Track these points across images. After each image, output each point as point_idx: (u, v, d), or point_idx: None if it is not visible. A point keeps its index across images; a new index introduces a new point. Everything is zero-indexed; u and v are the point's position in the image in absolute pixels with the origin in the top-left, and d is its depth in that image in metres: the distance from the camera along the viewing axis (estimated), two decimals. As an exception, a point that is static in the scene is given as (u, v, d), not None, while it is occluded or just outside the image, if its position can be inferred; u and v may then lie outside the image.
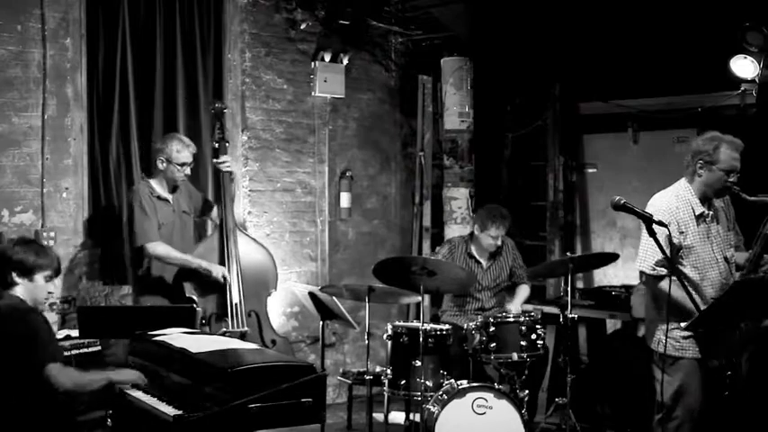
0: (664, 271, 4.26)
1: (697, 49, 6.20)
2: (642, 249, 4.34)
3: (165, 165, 5.33)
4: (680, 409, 4.33)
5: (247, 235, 5.72)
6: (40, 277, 3.93)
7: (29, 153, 5.54)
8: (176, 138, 5.42)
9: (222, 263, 5.37)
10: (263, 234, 6.65)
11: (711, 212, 4.42)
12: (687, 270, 4.34)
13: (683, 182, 4.44)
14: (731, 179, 4.33)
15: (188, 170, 5.40)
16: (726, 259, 4.43)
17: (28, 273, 3.90)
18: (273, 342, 5.45)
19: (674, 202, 4.37)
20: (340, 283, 6.35)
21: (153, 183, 5.37)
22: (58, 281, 5.20)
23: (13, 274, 3.89)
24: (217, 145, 5.58)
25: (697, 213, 4.36)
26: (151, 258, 5.24)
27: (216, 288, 5.32)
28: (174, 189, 5.43)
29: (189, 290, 5.29)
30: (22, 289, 3.90)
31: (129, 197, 5.37)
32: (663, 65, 6.53)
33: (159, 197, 5.33)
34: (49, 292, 4.01)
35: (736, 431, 4.49)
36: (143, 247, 5.20)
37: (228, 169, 5.57)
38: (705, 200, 4.40)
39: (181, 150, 5.32)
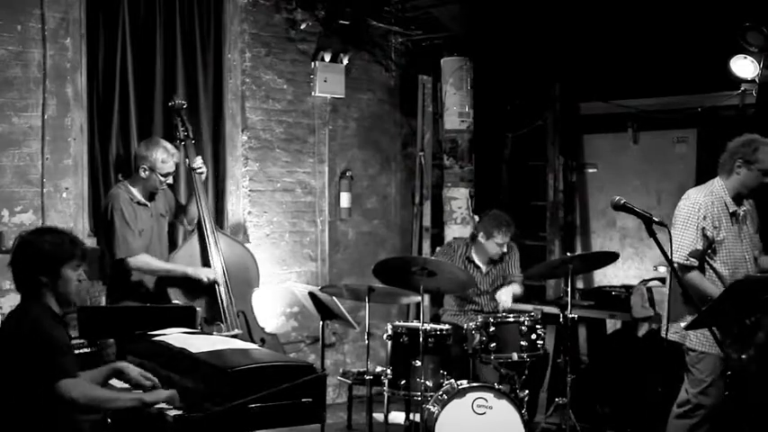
0: (696, 263, 4.41)
1: (697, 49, 6.21)
2: (676, 241, 4.41)
3: (147, 173, 5.13)
4: (704, 407, 4.43)
5: (225, 234, 5.59)
6: (67, 270, 3.51)
7: (29, 153, 5.53)
8: (161, 145, 5.18)
9: (206, 266, 5.26)
10: (263, 234, 6.65)
11: (743, 212, 4.55)
12: (717, 265, 4.48)
13: (717, 180, 4.58)
14: (767, 180, 4.47)
15: (170, 179, 5.26)
16: (755, 259, 4.57)
17: (54, 270, 3.49)
18: (263, 340, 5.37)
19: (710, 197, 4.50)
20: (340, 283, 6.34)
21: (133, 189, 5.18)
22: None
23: (41, 278, 3.50)
24: (183, 143, 5.40)
25: (731, 211, 4.51)
26: (132, 271, 5.09)
27: (203, 292, 5.21)
28: (151, 196, 5.26)
29: (174, 295, 5.16)
30: (50, 291, 3.52)
31: (107, 201, 5.16)
32: (663, 65, 6.53)
33: (139, 202, 5.18)
34: (79, 280, 3.58)
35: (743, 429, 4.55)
36: (125, 260, 5.04)
37: (202, 172, 5.39)
38: (738, 199, 4.54)
39: (166, 161, 5.14)
